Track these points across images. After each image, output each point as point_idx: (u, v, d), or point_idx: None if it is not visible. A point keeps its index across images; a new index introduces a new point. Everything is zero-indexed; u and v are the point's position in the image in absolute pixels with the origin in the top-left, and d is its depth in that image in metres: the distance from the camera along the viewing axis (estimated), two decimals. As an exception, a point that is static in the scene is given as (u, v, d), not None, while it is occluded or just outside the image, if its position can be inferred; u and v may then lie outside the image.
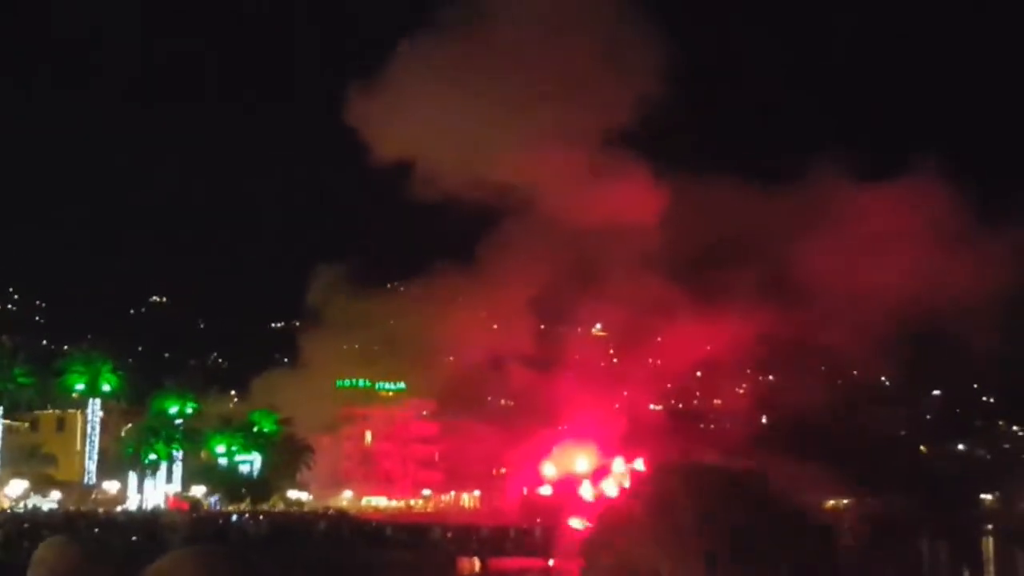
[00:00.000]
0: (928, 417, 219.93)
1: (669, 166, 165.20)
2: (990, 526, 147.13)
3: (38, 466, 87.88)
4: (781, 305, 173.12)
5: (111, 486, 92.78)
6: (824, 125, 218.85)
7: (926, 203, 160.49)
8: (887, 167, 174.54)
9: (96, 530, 59.15)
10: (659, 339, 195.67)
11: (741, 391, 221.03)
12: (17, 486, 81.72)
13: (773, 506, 1.14)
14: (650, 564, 1.03)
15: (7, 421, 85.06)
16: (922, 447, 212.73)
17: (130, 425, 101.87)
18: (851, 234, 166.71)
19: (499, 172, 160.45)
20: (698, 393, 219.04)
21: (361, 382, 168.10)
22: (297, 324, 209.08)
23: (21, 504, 76.73)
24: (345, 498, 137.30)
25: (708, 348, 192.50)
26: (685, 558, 1.02)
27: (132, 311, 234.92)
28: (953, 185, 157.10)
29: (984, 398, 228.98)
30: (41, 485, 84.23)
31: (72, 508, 77.88)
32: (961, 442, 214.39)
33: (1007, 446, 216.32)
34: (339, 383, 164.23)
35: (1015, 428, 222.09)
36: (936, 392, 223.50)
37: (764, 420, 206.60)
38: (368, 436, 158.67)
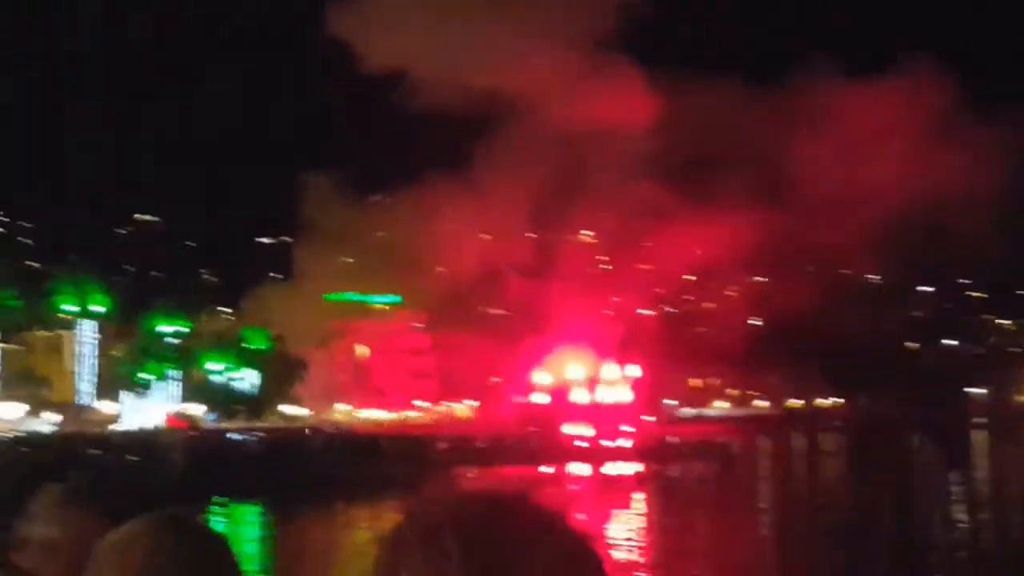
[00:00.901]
0: (919, 314, 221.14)
1: (660, 68, 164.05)
2: (981, 420, 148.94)
3: (32, 388, 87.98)
4: (773, 206, 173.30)
5: (106, 406, 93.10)
6: (815, 23, 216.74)
7: (916, 99, 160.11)
8: (879, 64, 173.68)
9: (95, 451, 59.35)
10: (650, 244, 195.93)
11: (733, 294, 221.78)
12: (15, 409, 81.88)
13: (539, 534, 1.11)
14: None
15: (1, 344, 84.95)
16: (913, 344, 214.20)
17: (123, 345, 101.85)
18: (843, 132, 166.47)
19: (489, 78, 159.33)
20: (690, 297, 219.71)
21: (352, 295, 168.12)
22: (288, 239, 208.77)
23: (19, 428, 76.85)
24: (340, 412, 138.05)
25: (700, 251, 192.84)
26: None
27: (121, 230, 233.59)
28: (943, 81, 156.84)
29: (974, 294, 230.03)
30: (37, 407, 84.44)
31: (70, 430, 78.08)
32: (952, 338, 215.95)
33: (997, 341, 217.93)
34: (330, 297, 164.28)
35: (1005, 323, 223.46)
36: (926, 288, 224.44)
37: (756, 322, 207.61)
38: (361, 349, 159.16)
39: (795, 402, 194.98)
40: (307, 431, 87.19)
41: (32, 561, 3.13)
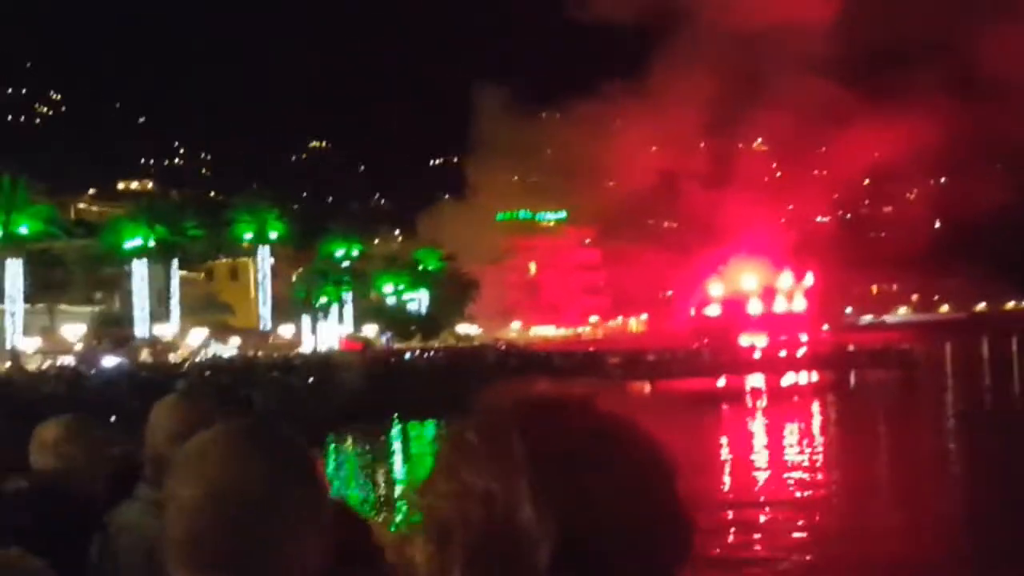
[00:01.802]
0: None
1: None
2: None
3: (215, 314, 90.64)
4: (956, 100, 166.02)
5: (286, 330, 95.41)
6: None
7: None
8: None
9: (275, 373, 60.85)
10: (825, 148, 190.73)
11: (912, 196, 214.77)
12: (198, 334, 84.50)
13: (600, 434, 1.12)
14: (485, 487, 1.02)
15: (183, 272, 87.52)
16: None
17: (300, 270, 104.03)
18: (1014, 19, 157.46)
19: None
20: (867, 201, 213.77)
21: (522, 213, 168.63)
22: (456, 160, 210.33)
23: (202, 352, 79.40)
24: (513, 329, 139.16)
25: (878, 153, 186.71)
26: (515, 483, 1.01)
27: (294, 158, 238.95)
28: None
29: None
30: (220, 332, 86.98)
31: (251, 353, 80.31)
32: None
33: None
34: (500, 216, 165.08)
35: None
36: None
37: (937, 225, 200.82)
38: (532, 267, 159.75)
39: (981, 306, 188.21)
40: (481, 349, 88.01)
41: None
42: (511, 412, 1.21)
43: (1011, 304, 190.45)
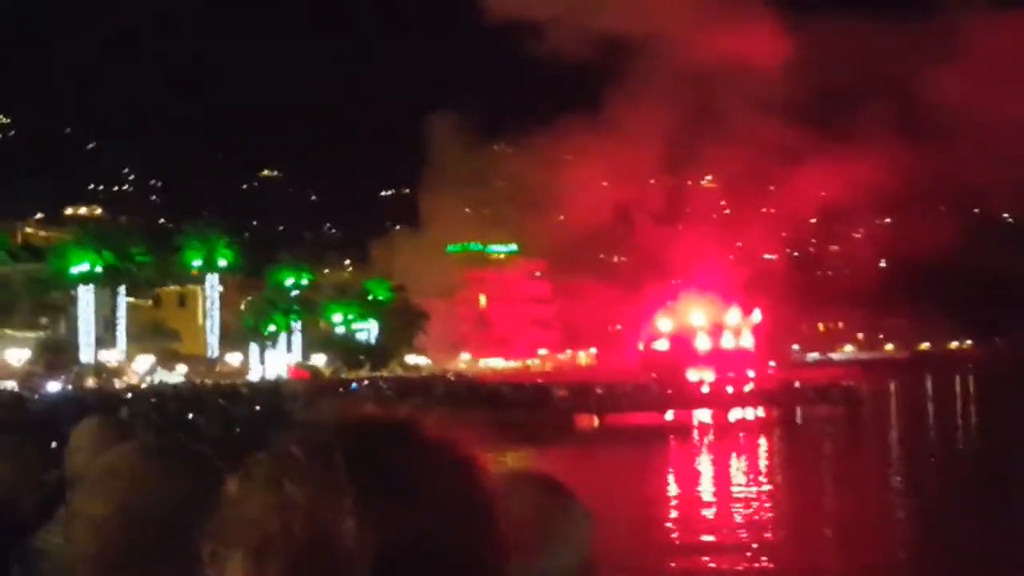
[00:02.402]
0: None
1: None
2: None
3: (163, 341, 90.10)
4: (903, 143, 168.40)
5: (234, 358, 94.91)
6: None
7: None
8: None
9: (221, 401, 60.41)
10: (776, 185, 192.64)
11: (859, 235, 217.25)
12: (144, 361, 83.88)
13: (419, 454, 1.14)
14: (308, 500, 1.04)
15: (130, 299, 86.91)
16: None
17: (249, 298, 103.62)
18: (978, 64, 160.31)
19: (614, 20, 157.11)
20: (814, 240, 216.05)
21: (473, 245, 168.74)
22: (408, 191, 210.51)
23: (149, 379, 78.77)
24: (462, 361, 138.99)
25: (827, 192, 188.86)
26: (337, 498, 1.02)
27: (245, 186, 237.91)
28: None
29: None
30: (167, 360, 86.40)
31: (198, 381, 79.74)
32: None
33: None
34: (451, 248, 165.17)
35: None
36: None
37: (882, 264, 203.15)
38: (482, 299, 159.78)
39: (925, 345, 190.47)
40: (429, 380, 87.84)
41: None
42: (335, 429, 1.35)
43: (954, 344, 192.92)
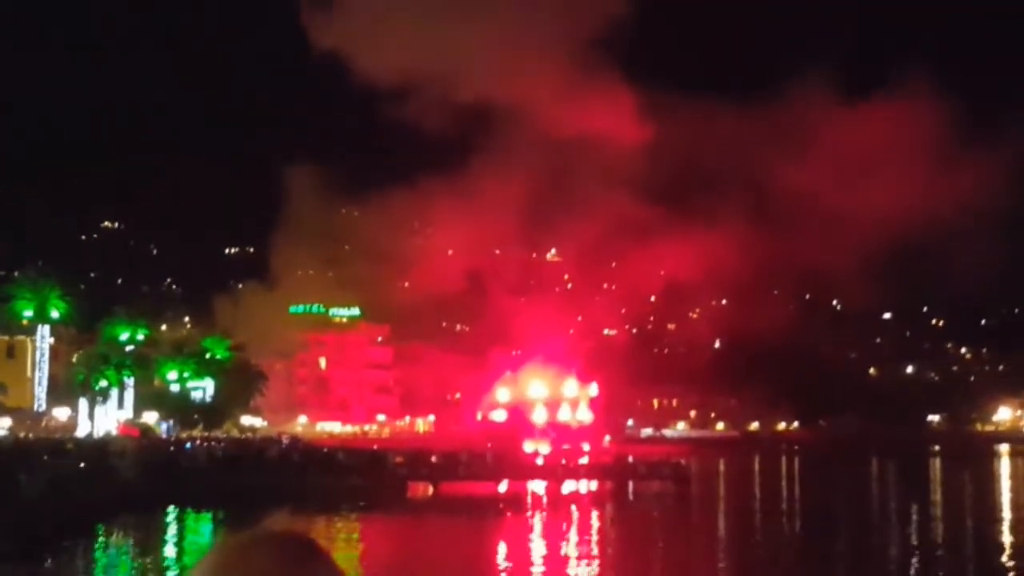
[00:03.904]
0: (878, 340, 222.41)
1: (644, 86, 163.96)
2: (937, 447, 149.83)
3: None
4: (741, 228, 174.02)
5: (62, 413, 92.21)
6: (807, 38, 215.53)
7: (897, 126, 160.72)
8: (864, 88, 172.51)
9: (45, 457, 58.70)
10: (620, 263, 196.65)
11: (696, 315, 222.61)
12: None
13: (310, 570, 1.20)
14: None
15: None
16: (872, 370, 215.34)
17: (81, 352, 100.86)
18: (818, 157, 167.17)
19: (471, 91, 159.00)
20: (652, 318, 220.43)
21: (316, 307, 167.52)
22: (253, 249, 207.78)
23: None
24: (299, 424, 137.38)
25: (668, 271, 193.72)
26: None
27: (84, 237, 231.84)
28: (922, 109, 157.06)
29: (933, 320, 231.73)
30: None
31: (22, 435, 77.33)
32: (910, 364, 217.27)
33: (955, 368, 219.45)
34: (293, 309, 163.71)
35: (963, 350, 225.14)
36: (886, 316, 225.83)
37: (718, 345, 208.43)
38: (323, 362, 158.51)
39: (754, 425, 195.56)
40: (263, 442, 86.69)
41: None
42: (230, 549, 1.52)
43: (782, 425, 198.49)
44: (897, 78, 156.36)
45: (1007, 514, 60.71)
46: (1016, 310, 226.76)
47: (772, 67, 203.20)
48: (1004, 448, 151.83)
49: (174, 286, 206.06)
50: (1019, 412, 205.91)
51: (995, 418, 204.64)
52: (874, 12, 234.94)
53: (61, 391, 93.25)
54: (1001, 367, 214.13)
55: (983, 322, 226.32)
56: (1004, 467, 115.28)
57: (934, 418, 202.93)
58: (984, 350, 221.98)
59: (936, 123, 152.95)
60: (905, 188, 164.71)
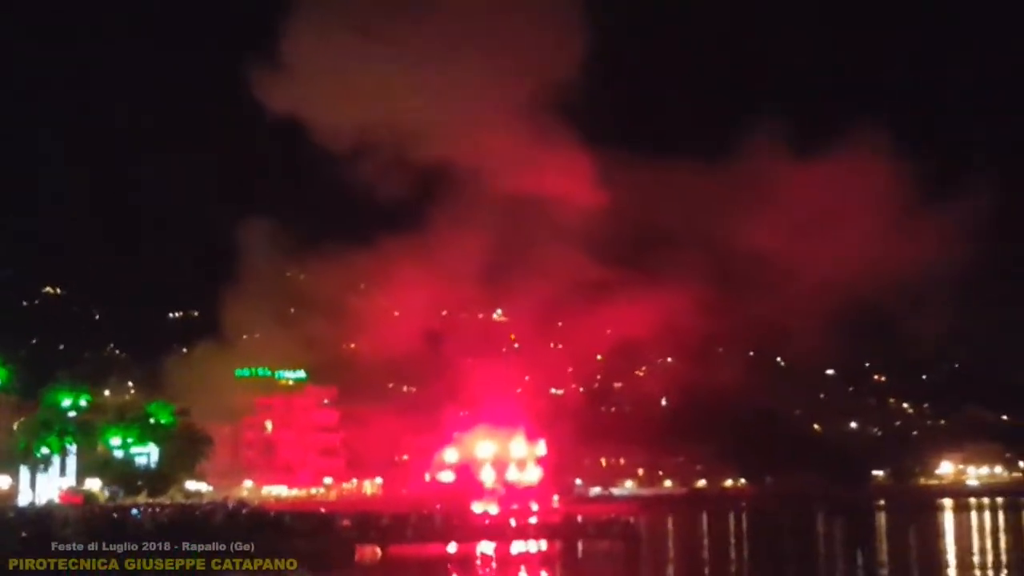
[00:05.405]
0: (822, 396, 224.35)
1: (594, 147, 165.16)
2: (882, 502, 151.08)
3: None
4: (687, 287, 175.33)
5: (3, 482, 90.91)
6: (760, 96, 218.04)
7: (846, 185, 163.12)
8: (820, 139, 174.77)
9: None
10: (564, 323, 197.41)
11: (642, 374, 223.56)
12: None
13: None
14: None
15: None
16: (816, 426, 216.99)
17: (22, 419, 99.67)
18: (764, 216, 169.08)
19: (421, 151, 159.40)
20: (599, 376, 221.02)
21: (262, 371, 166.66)
22: (197, 313, 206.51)
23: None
24: (246, 488, 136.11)
25: (614, 331, 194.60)
26: None
27: (25, 303, 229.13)
28: (873, 167, 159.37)
29: (876, 376, 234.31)
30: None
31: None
32: (854, 420, 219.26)
33: (897, 423, 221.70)
34: (238, 372, 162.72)
35: (905, 406, 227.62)
36: (830, 371, 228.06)
37: (664, 403, 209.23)
38: (268, 425, 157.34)
39: (702, 482, 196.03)
40: (209, 506, 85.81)
41: None
42: None
43: (729, 482, 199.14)
44: (845, 140, 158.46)
45: (952, 569, 61.46)
46: (956, 365, 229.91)
47: (725, 129, 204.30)
48: (947, 502, 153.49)
49: (117, 351, 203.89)
50: (961, 466, 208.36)
51: (938, 472, 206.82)
52: (827, 73, 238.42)
53: (2, 459, 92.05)
54: (943, 422, 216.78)
55: (924, 377, 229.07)
56: (948, 521, 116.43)
57: (878, 473, 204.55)
58: (926, 405, 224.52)
59: (884, 183, 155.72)
60: (851, 247, 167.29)
